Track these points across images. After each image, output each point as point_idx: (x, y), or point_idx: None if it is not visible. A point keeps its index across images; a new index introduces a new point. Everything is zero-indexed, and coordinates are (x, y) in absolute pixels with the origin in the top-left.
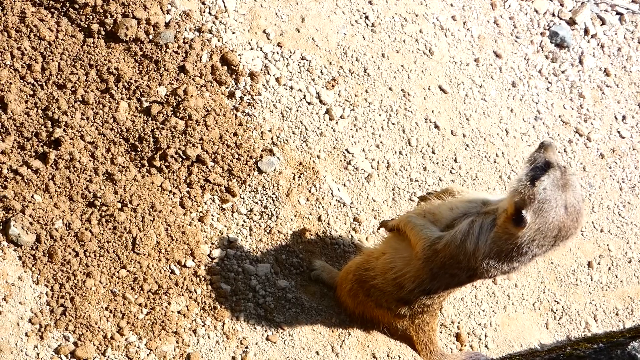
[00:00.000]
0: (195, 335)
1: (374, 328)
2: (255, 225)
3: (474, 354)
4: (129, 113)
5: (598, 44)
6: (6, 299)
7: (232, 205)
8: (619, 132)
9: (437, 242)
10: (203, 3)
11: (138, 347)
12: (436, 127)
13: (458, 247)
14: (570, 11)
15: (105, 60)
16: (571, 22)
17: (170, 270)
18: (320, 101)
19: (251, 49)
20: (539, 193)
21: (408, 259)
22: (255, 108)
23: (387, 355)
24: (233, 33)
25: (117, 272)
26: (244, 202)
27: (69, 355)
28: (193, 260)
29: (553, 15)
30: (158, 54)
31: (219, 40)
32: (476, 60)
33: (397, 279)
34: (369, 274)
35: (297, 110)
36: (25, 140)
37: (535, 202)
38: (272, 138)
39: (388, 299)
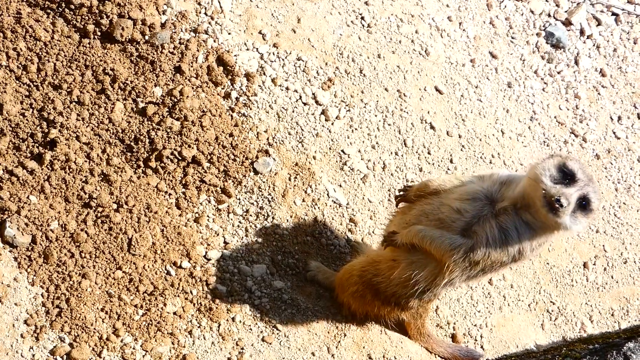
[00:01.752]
0: (191, 337)
1: (377, 323)
2: (251, 226)
3: (464, 349)
4: (124, 114)
5: (594, 45)
6: (2, 300)
7: (228, 206)
8: (614, 132)
9: (469, 252)
10: (199, 4)
11: (134, 349)
12: (432, 127)
13: (500, 252)
14: (566, 12)
15: (100, 61)
16: (567, 23)
17: (166, 271)
18: (316, 102)
19: (247, 49)
20: (598, 206)
21: (435, 271)
22: (251, 109)
23: (383, 356)
24: (229, 34)
25: (113, 273)
26: (239, 203)
27: (65, 357)
28: (189, 261)
29: (549, 15)
30: (154, 54)
31: (214, 41)
32: (472, 61)
33: (425, 287)
34: (379, 280)
35: (293, 111)
36: (21, 141)
37: (599, 206)
38: (268, 139)
39: (400, 297)
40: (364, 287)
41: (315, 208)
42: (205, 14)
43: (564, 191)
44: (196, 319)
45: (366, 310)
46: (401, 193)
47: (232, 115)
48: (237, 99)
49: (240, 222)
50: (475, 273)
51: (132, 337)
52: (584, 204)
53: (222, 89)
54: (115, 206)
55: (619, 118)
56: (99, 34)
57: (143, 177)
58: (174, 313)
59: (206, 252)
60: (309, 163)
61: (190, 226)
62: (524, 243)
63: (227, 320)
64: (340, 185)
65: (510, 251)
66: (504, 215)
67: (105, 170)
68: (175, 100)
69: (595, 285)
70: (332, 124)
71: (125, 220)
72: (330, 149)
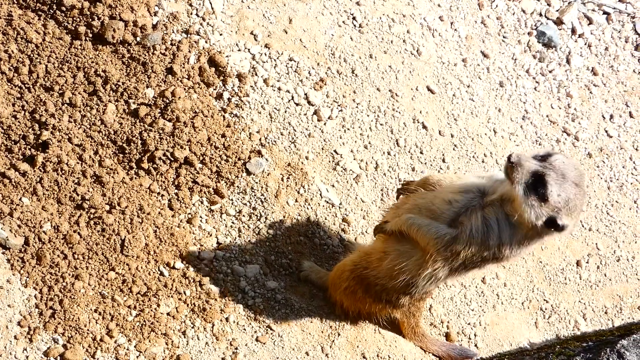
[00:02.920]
0: (185, 337)
1: (370, 321)
2: (244, 227)
3: (458, 347)
4: (116, 115)
5: (585, 44)
6: None
7: (221, 207)
8: (606, 131)
9: (451, 242)
10: (190, 5)
11: (127, 349)
12: (424, 127)
13: (480, 245)
14: (557, 11)
15: (92, 62)
16: (558, 22)
17: (159, 272)
18: (309, 102)
19: (239, 50)
20: (558, 202)
21: (420, 261)
22: (243, 109)
23: (377, 355)
24: (221, 34)
25: (106, 274)
26: (232, 203)
27: (58, 358)
28: (182, 262)
29: (540, 15)
30: (145, 56)
31: (206, 42)
32: (464, 61)
33: (410, 280)
34: (370, 273)
35: (285, 112)
36: (13, 143)
37: (562, 209)
38: (260, 139)
39: (390, 293)
40: (355, 282)
41: (308, 208)
42: (197, 15)
43: (522, 155)
44: (190, 320)
45: (358, 308)
46: (402, 186)
47: (224, 116)
48: (229, 99)
49: (233, 222)
50: (457, 266)
51: (125, 337)
52: (540, 191)
53: (214, 89)
54: (107, 207)
55: (611, 116)
56: (90, 35)
57: (135, 178)
58: (168, 313)
59: (199, 253)
60: (302, 163)
61: (183, 227)
62: (503, 237)
63: (221, 320)
64: (333, 185)
65: (491, 245)
66: (490, 207)
67: (98, 172)
68: (167, 101)
69: (589, 283)
70: (325, 124)
71: (118, 222)
72: (322, 149)
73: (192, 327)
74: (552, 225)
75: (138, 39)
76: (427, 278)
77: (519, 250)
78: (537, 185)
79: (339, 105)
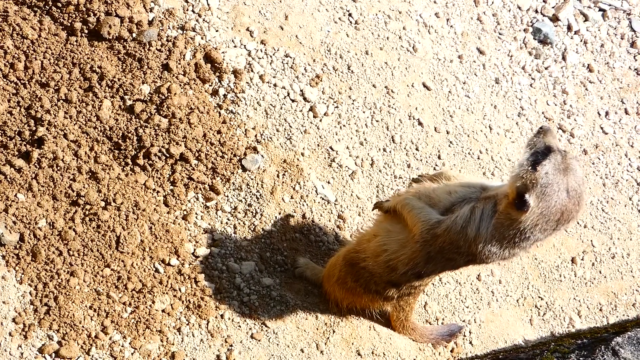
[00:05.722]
0: (180, 334)
1: (363, 316)
2: (239, 223)
3: (445, 328)
4: (112, 111)
5: (581, 40)
6: None
7: (216, 204)
8: (602, 128)
9: (436, 226)
10: (186, 1)
11: (122, 346)
12: (420, 124)
13: (459, 232)
14: (553, 8)
15: (88, 58)
16: (554, 19)
17: (154, 269)
18: (304, 98)
19: (235, 46)
20: (541, 177)
21: (403, 241)
22: (239, 106)
23: (372, 352)
24: (216, 31)
25: (101, 271)
26: (228, 200)
27: (53, 355)
28: (177, 259)
29: (536, 11)
30: (141, 52)
31: (202, 38)
32: (460, 57)
33: (390, 262)
34: (359, 256)
35: (281, 108)
36: (8, 139)
37: (537, 187)
38: (256, 136)
39: (377, 281)
40: (346, 270)
41: (303, 205)
42: (193, 11)
43: (552, 131)
44: (185, 316)
45: (350, 300)
46: (417, 177)
47: (219, 112)
48: (224, 96)
49: (228, 219)
50: (435, 253)
51: (120, 334)
52: (537, 161)
53: (210, 86)
54: (103, 204)
55: (607, 113)
56: (86, 31)
57: (131, 174)
58: (163, 310)
59: (194, 250)
60: (297, 160)
61: (179, 223)
62: (481, 228)
63: (216, 317)
64: (329, 182)
65: (468, 234)
66: (484, 200)
67: (93, 168)
68: (163, 97)
69: (584, 281)
70: (320, 120)
71: (113, 218)
72: (318, 145)
73: (187, 324)
74: (521, 197)
75: (134, 35)
76: (407, 262)
77: (494, 250)
78: (539, 157)
79: (334, 102)
